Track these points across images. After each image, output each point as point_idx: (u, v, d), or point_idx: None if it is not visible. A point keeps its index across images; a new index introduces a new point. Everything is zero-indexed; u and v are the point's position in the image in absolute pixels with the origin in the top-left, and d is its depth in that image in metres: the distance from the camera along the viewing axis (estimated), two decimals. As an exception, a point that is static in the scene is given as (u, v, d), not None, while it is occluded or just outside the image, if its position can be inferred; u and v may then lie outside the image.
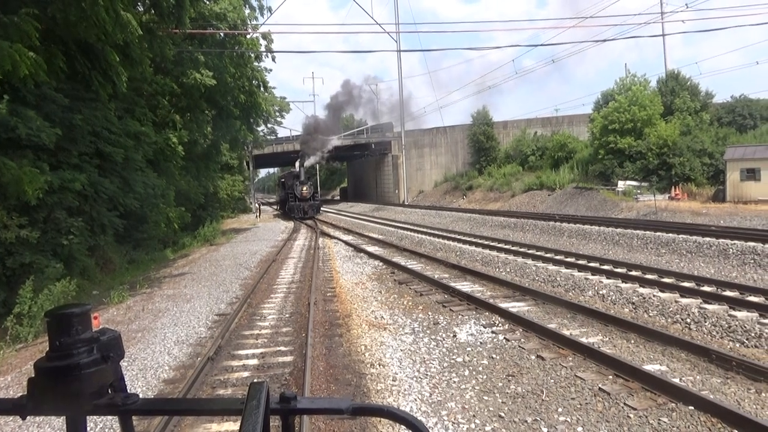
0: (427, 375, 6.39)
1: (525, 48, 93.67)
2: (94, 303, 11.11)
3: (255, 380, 1.04)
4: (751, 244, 13.33)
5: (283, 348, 7.69)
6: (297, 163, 42.37)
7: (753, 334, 7.18)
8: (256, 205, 49.28)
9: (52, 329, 0.83)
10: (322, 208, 42.43)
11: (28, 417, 0.85)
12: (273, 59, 26.86)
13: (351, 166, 74.98)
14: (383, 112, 56.95)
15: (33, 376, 0.82)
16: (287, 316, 9.66)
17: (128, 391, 0.87)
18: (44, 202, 11.66)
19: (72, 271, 12.24)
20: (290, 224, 33.56)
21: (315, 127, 45.45)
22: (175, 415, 4.32)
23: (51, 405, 0.82)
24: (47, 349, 0.83)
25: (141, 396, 0.86)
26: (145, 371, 6.93)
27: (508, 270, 13.29)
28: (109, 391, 0.86)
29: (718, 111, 34.56)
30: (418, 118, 55.20)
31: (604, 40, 38.18)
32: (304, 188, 38.46)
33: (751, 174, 25.46)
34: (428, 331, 8.23)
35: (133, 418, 0.87)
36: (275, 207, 59.78)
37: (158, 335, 8.66)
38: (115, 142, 15.02)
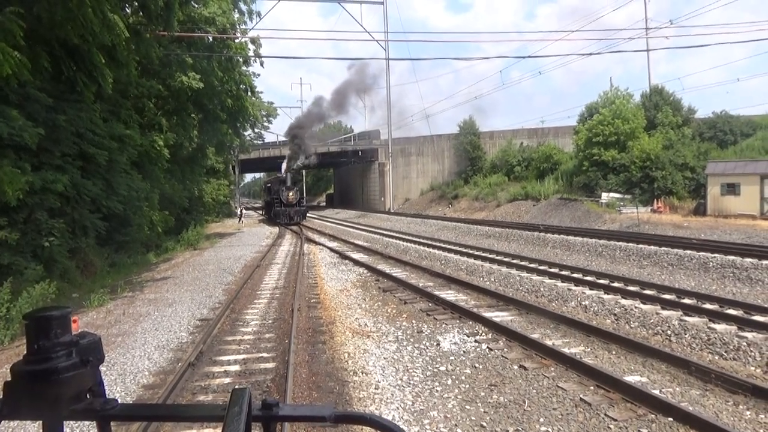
0: (410, 383, 6.38)
1: (512, 60, 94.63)
2: (73, 306, 10.91)
3: (237, 386, 1.03)
4: (731, 257, 13.55)
5: (265, 354, 7.63)
6: (283, 166, 41.86)
7: (731, 347, 7.28)
8: (240, 210, 48.76)
9: (30, 332, 0.81)
10: (308, 214, 42.24)
11: (2, 422, 0.83)
12: (261, 64, 26.89)
13: (338, 173, 74.97)
14: (376, 105, 57.20)
15: (9, 379, 0.80)
16: (270, 322, 9.58)
17: (107, 396, 0.86)
18: (25, 203, 11.47)
19: (52, 273, 12.03)
20: (275, 230, 33.39)
21: (318, 110, 45.20)
22: (154, 421, 4.25)
23: (27, 409, 0.80)
24: (25, 352, 0.82)
25: (120, 401, 0.85)
26: (125, 376, 6.82)
27: (493, 279, 13.34)
28: (88, 396, 0.84)
29: (700, 126, 35.15)
30: (405, 126, 55.45)
31: (590, 54, 38.77)
32: (291, 193, 38.21)
33: (731, 189, 25.93)
34: (412, 340, 8.22)
35: (112, 424, 0.85)
36: (261, 212, 59.38)
37: (139, 340, 8.54)
38: (99, 143, 14.81)
